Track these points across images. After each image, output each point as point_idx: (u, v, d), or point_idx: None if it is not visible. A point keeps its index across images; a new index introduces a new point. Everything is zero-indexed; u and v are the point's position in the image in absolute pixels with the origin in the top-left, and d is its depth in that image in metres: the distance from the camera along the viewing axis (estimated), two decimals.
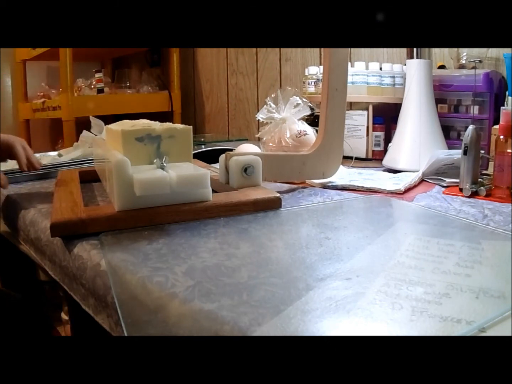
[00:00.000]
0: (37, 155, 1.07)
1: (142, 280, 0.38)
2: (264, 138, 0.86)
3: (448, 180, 0.73)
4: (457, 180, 0.68)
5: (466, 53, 0.92)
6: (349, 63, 0.84)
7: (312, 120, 0.99)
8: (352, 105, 1.13)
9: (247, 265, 0.40)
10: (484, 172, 0.77)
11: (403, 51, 1.01)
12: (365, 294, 0.34)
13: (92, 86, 1.83)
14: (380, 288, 0.35)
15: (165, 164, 0.53)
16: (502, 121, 0.64)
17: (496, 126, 0.71)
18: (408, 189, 0.70)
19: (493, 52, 0.92)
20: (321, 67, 1.03)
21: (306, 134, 0.82)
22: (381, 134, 1.00)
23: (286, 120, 0.83)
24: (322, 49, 1.34)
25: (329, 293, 0.34)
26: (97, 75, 1.83)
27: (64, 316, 1.40)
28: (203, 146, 1.08)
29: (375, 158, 0.99)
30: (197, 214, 0.52)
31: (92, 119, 1.05)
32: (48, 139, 2.25)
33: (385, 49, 1.18)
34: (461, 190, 0.66)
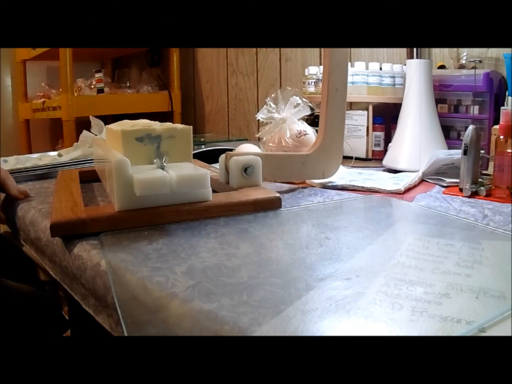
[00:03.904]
0: (37, 155, 1.07)
1: (142, 280, 0.38)
2: (264, 138, 0.86)
3: (448, 180, 0.73)
4: (457, 180, 0.68)
5: (466, 53, 0.92)
6: (349, 63, 0.84)
7: (312, 120, 0.99)
8: (352, 105, 1.13)
9: (247, 265, 0.40)
10: (484, 172, 0.77)
11: (403, 51, 1.01)
12: (365, 294, 0.34)
13: (92, 86, 1.83)
14: (380, 288, 0.35)
15: (165, 164, 0.53)
16: (502, 121, 0.64)
17: (496, 126, 0.71)
18: (408, 189, 0.70)
19: (493, 52, 0.92)
20: (321, 67, 1.03)
21: (306, 134, 0.82)
22: (381, 134, 1.00)
23: (286, 120, 0.83)
24: (322, 49, 1.34)
25: (329, 293, 0.34)
26: (97, 75, 1.83)
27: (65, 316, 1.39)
28: (203, 146, 1.08)
29: (375, 158, 0.99)
30: (197, 214, 0.52)
31: (92, 119, 1.05)
32: (48, 139, 2.25)
33: (385, 49, 1.18)
34: (461, 190, 0.66)
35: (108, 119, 1.21)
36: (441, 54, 1.03)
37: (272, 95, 0.85)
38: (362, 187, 0.70)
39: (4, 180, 0.70)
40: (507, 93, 0.80)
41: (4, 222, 0.73)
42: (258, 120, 0.85)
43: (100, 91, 1.80)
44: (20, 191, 0.71)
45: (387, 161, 0.88)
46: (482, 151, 0.69)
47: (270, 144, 0.84)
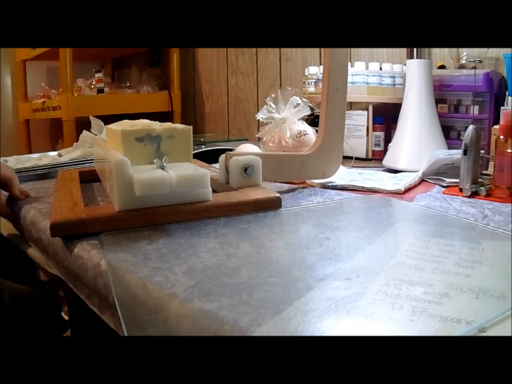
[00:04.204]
0: (37, 155, 1.07)
1: (142, 280, 0.38)
2: (264, 138, 0.86)
3: (448, 180, 0.73)
4: (457, 180, 0.68)
5: (466, 53, 0.92)
6: (349, 63, 0.84)
7: (312, 120, 0.99)
8: (352, 105, 1.13)
9: (247, 265, 0.40)
10: (484, 172, 0.77)
11: (403, 51, 1.01)
12: (365, 294, 0.34)
13: (92, 86, 1.83)
14: (380, 288, 0.35)
15: (165, 164, 0.53)
16: (502, 121, 0.64)
17: (496, 126, 0.71)
18: (408, 189, 0.70)
19: (493, 52, 0.92)
20: (321, 67, 1.03)
21: (306, 134, 0.82)
22: (381, 134, 1.00)
23: (286, 120, 0.83)
24: (322, 49, 1.34)
25: (329, 293, 0.34)
26: (97, 75, 1.83)
27: (64, 316, 1.40)
28: (203, 146, 1.08)
29: (375, 158, 0.99)
30: (197, 214, 0.52)
31: (92, 119, 1.05)
32: (48, 139, 2.25)
33: (385, 49, 1.18)
34: (461, 190, 0.66)
35: (108, 119, 1.21)
36: (441, 54, 1.03)
37: (272, 95, 0.85)
38: (362, 187, 0.70)
39: (10, 179, 0.70)
40: (507, 93, 0.80)
41: (10, 218, 0.73)
42: (258, 120, 0.85)
43: (100, 91, 1.80)
44: (21, 191, 0.71)
45: (387, 161, 0.88)
46: (482, 151, 0.69)
47: (270, 144, 0.84)
